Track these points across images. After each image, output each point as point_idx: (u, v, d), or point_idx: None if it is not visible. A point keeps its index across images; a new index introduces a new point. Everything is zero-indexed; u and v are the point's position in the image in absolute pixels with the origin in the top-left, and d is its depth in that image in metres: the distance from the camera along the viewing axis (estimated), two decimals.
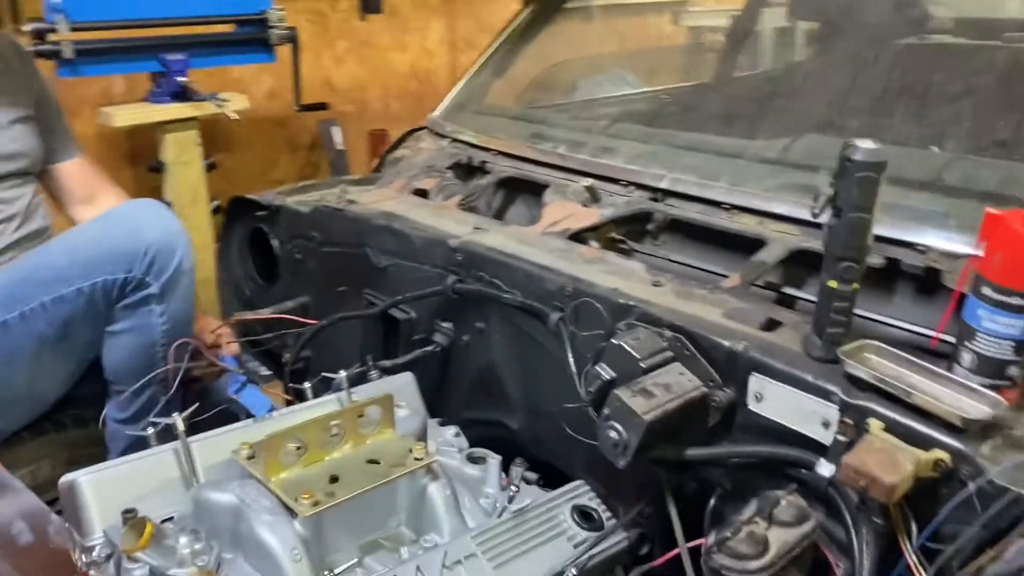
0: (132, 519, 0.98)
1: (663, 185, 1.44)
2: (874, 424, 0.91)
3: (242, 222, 1.91)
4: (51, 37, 2.34)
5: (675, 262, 1.39)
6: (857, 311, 1.02)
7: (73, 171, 1.69)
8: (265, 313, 1.73)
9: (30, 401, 1.47)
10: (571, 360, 1.17)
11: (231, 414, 1.52)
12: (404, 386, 1.37)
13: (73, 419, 1.59)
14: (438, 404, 1.44)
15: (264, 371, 1.86)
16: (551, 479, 1.30)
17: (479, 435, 1.36)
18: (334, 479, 1.06)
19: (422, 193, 1.70)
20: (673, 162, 1.46)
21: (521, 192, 1.70)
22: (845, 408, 0.94)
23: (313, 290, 1.77)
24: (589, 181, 1.49)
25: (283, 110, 3.35)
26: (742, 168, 1.40)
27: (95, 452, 1.51)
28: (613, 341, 1.08)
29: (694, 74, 2.27)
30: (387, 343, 1.56)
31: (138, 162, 3.00)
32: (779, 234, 1.28)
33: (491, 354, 1.39)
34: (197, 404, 1.57)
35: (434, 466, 1.12)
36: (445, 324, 1.45)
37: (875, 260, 1.16)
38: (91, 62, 2.45)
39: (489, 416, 1.44)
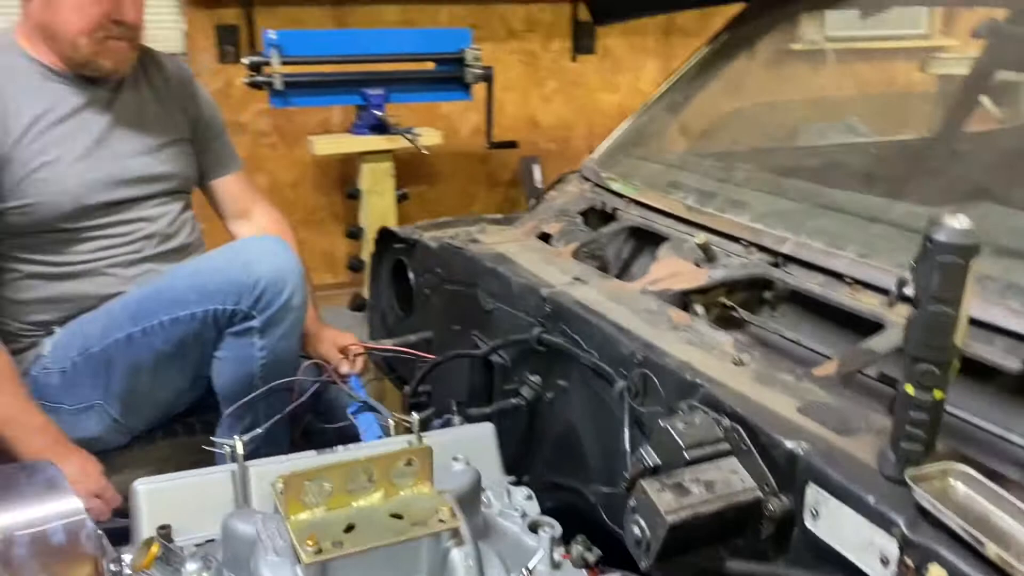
0: (156, 536, 1.01)
1: (785, 250, 1.27)
2: (935, 572, 0.72)
3: (388, 253, 1.95)
4: (265, 70, 2.56)
5: (786, 338, 1.22)
6: (976, 421, 0.82)
7: (228, 187, 1.79)
8: (387, 344, 1.75)
9: (155, 406, 1.58)
10: (626, 435, 1.06)
11: (353, 435, 1.55)
12: (481, 437, 1.31)
13: (202, 424, 1.69)
14: (521, 462, 1.36)
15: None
16: (630, 561, 1.18)
17: (560, 501, 1.27)
18: (350, 528, 1.02)
19: (546, 237, 1.65)
20: (800, 223, 1.29)
21: (648, 243, 1.59)
22: (906, 545, 0.75)
23: (437, 325, 1.77)
24: (704, 237, 1.35)
25: (485, 146, 3.43)
26: (877, 235, 1.20)
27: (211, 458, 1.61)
28: (661, 422, 0.96)
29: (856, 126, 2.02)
30: (483, 388, 1.51)
31: (344, 188, 3.19)
32: (903, 319, 1.07)
33: (571, 415, 1.30)
34: (307, 418, 1.63)
35: (461, 531, 1.05)
36: (533, 378, 1.38)
37: (1011, 364, 0.93)
38: (299, 94, 2.66)
39: (568, 482, 1.34)
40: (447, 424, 1.37)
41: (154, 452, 1.65)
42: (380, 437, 1.49)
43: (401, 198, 2.93)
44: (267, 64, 2.56)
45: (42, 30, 1.48)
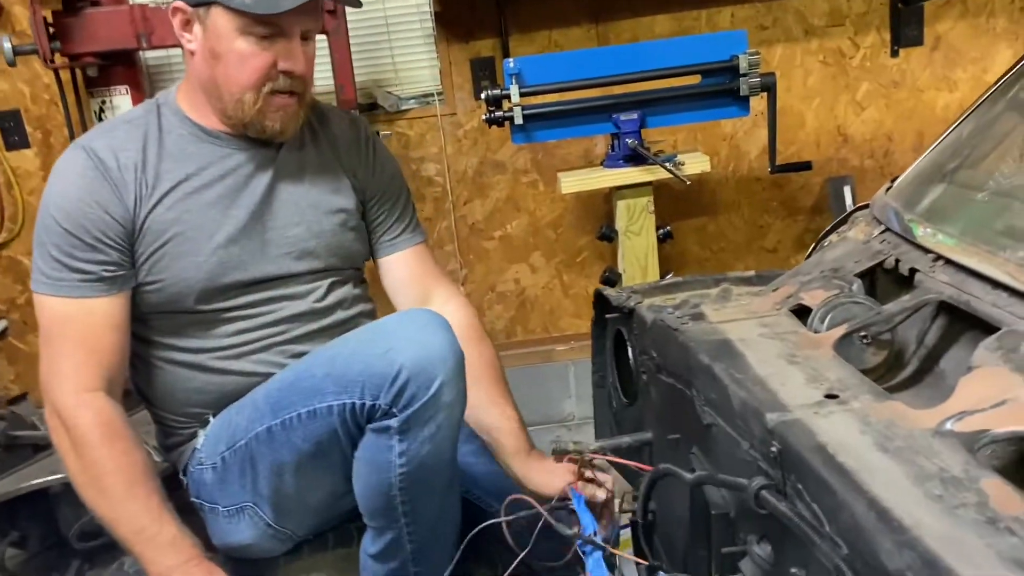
0: None
1: None
2: None
3: (609, 321, 1.55)
4: (505, 104, 2.29)
5: None
6: None
7: (402, 265, 1.50)
8: (591, 448, 1.35)
9: (310, 509, 1.33)
10: None
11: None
12: None
13: (360, 532, 1.41)
14: None
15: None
16: None
17: None
18: None
19: (802, 311, 1.13)
20: None
21: (968, 330, 1.01)
22: None
23: (656, 425, 1.33)
24: None
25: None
26: None
27: None
28: None
29: None
30: (699, 532, 1.04)
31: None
32: None
33: None
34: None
35: None
36: (759, 551, 0.89)
37: None
38: (541, 127, 2.34)
39: None
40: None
41: (300, 563, 1.41)
42: None
43: (664, 237, 2.49)
44: (507, 97, 2.28)
45: (205, 88, 1.32)
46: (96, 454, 1.21)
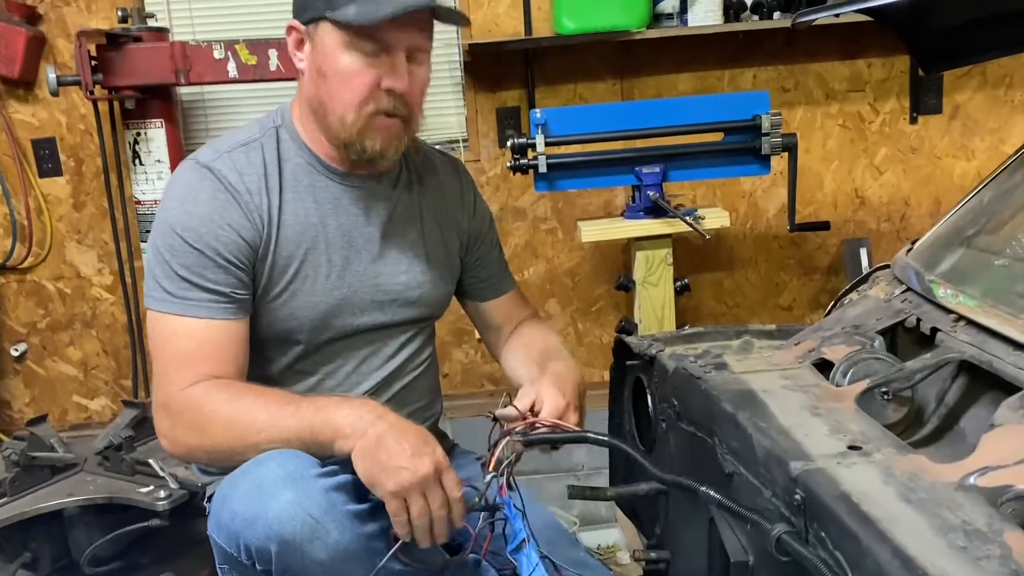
0: None
1: None
2: None
3: (628, 368, 1.56)
4: (530, 153, 2.34)
5: None
6: None
7: (501, 309, 1.55)
8: (609, 493, 1.35)
9: None
10: None
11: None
12: None
13: None
14: None
15: None
16: None
17: None
18: None
19: (824, 365, 1.15)
20: None
21: (989, 390, 1.02)
22: None
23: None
24: None
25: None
26: None
27: None
28: None
29: None
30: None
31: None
32: None
33: None
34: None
35: None
36: None
37: None
38: (565, 176, 2.39)
39: None
40: None
41: None
42: None
43: (682, 290, 2.51)
44: (532, 146, 2.33)
45: (312, 107, 1.30)
46: (218, 399, 1.18)
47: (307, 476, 1.10)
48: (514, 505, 1.13)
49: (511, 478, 1.14)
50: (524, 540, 1.13)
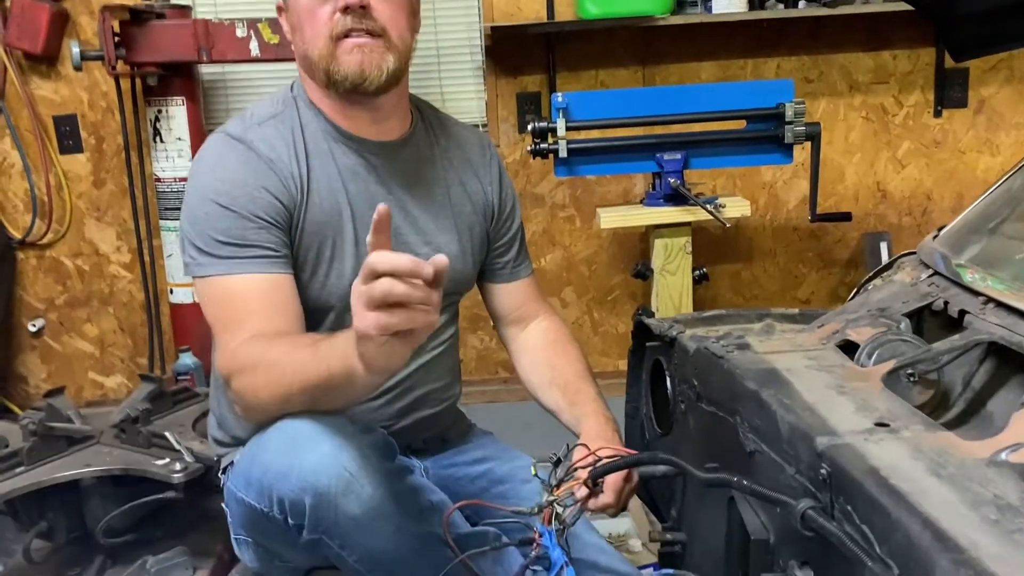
0: None
1: None
2: None
3: (647, 350, 1.55)
4: (551, 137, 2.33)
5: None
6: None
7: (516, 294, 1.52)
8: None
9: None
10: None
11: None
12: None
13: None
14: None
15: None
16: None
17: None
18: None
19: (851, 347, 1.14)
20: None
21: (1018, 371, 1.01)
22: None
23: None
24: None
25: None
26: None
27: None
28: None
29: None
30: (736, 558, 1.04)
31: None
32: None
33: None
34: None
35: None
36: (801, 575, 0.89)
37: None
38: (585, 161, 2.38)
39: None
40: None
41: None
42: None
43: (700, 279, 2.50)
44: (553, 131, 2.32)
45: (304, 65, 1.30)
46: (274, 352, 1.13)
47: (343, 430, 1.10)
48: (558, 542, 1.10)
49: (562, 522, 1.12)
50: (563, 566, 1.11)
